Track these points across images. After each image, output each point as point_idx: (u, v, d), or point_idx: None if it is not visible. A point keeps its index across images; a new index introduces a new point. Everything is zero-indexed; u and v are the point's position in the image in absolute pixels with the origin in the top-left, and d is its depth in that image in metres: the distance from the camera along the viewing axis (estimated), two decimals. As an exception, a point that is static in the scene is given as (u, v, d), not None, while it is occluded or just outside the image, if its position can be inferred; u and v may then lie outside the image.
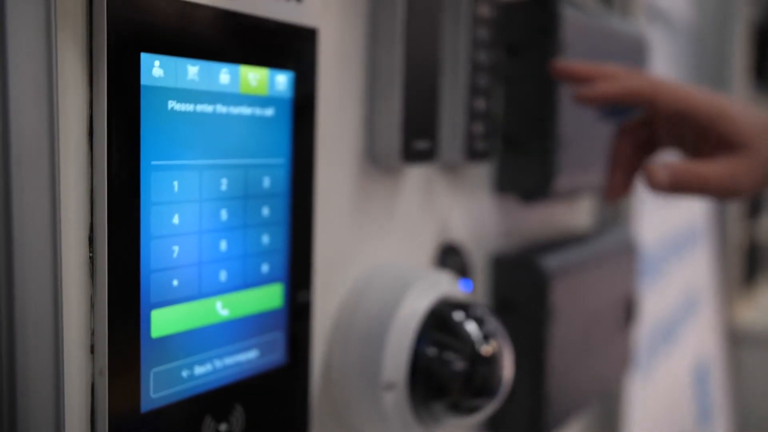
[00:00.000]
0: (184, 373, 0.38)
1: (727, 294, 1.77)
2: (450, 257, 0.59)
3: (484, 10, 0.56)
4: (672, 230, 1.34)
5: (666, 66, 1.35)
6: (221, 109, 0.39)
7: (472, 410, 0.48)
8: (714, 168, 0.53)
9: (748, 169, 0.53)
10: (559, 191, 0.65)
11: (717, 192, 0.54)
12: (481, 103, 0.57)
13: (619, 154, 0.59)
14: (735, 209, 1.81)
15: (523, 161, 0.64)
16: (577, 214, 0.82)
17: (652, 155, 0.60)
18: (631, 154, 0.59)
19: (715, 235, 1.69)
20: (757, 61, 1.91)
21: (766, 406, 1.80)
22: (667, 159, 0.57)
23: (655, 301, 1.19)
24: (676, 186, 0.53)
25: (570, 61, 0.60)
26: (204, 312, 0.39)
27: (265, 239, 0.42)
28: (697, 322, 1.49)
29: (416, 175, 0.55)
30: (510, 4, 0.63)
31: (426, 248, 0.57)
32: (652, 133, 0.59)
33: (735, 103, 0.56)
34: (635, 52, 0.77)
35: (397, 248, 0.54)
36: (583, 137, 0.67)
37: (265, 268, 0.42)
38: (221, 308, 0.40)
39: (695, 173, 0.53)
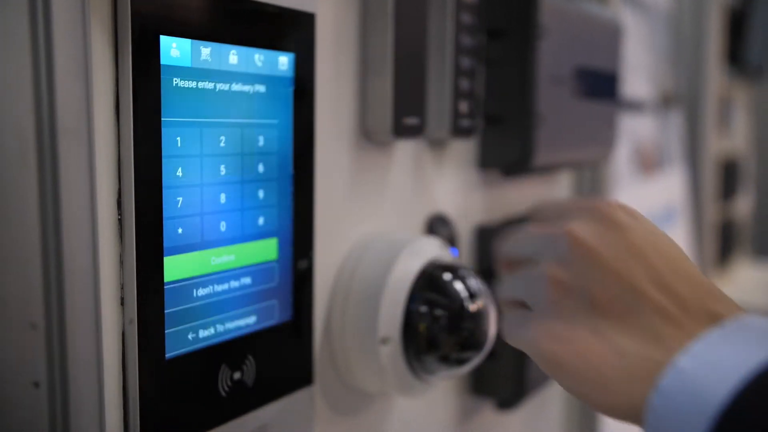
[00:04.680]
0: (190, 335, 0.42)
1: (703, 271, 1.83)
2: (439, 227, 0.64)
3: (467, -4, 0.61)
4: (651, 209, 1.39)
5: (642, 50, 1.40)
6: (233, 86, 0.43)
7: (460, 362, 0.52)
8: None
9: None
10: (538, 166, 0.69)
11: None
12: (465, 83, 0.61)
13: None
14: (710, 190, 1.87)
15: (504, 138, 0.68)
16: (555, 189, 0.86)
17: None
18: None
19: (691, 215, 1.75)
20: (731, 46, 1.96)
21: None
22: None
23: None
24: None
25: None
26: (204, 262, 0.42)
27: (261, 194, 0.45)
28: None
29: (405, 150, 0.60)
30: (491, -10, 0.67)
31: (416, 218, 0.62)
32: None
33: None
34: (610, 36, 0.82)
35: (390, 218, 0.58)
36: (560, 116, 0.72)
37: (261, 221, 0.46)
38: (222, 258, 0.43)
39: None
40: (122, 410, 0.38)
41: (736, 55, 1.97)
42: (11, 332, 0.31)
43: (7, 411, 0.31)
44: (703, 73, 1.82)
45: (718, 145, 1.93)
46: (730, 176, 2.04)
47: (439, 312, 0.52)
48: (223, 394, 0.44)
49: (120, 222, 0.38)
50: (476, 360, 0.53)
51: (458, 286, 0.53)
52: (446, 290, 0.52)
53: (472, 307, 0.52)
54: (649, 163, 1.45)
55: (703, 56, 1.82)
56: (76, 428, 0.32)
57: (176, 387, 0.41)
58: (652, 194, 1.40)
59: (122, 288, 0.38)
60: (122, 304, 0.38)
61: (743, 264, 2.24)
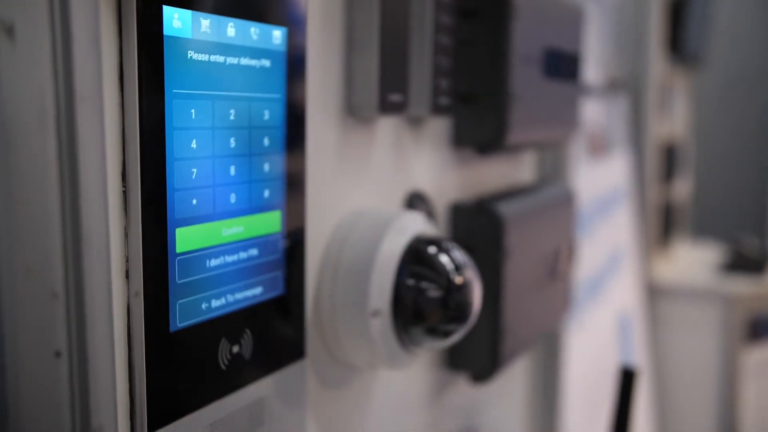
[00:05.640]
0: (203, 305, 0.42)
1: (645, 251, 1.90)
2: (417, 204, 0.65)
3: (446, -24, 0.61)
4: (600, 192, 1.44)
5: (594, 37, 1.43)
6: (230, 59, 0.43)
7: (446, 334, 0.54)
8: None
9: None
10: (510, 145, 0.71)
11: None
12: (443, 61, 0.62)
13: None
14: (652, 172, 1.93)
15: (477, 117, 0.69)
16: (522, 168, 0.88)
17: None
18: None
19: (635, 197, 1.80)
20: (671, 34, 2.02)
21: (678, 353, 1.94)
22: None
23: (586, 257, 1.28)
24: None
25: None
26: (216, 233, 0.42)
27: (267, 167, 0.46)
28: (620, 276, 1.60)
29: (386, 127, 0.60)
30: (465, -30, 0.68)
31: (396, 195, 0.62)
32: None
33: None
34: (575, 21, 0.84)
35: (372, 194, 0.59)
36: (531, 95, 0.73)
37: (266, 194, 0.46)
38: (232, 229, 0.43)
39: None
40: (128, 382, 0.38)
41: (676, 43, 2.03)
42: (34, 301, 0.30)
43: (29, 381, 0.31)
44: (646, 59, 1.87)
45: (659, 129, 1.99)
46: (670, 160, 2.11)
47: (426, 284, 0.53)
48: (223, 367, 0.44)
49: (125, 194, 0.38)
50: (462, 331, 0.54)
51: (444, 259, 0.54)
52: (433, 263, 0.53)
53: (458, 279, 0.53)
54: (597, 146, 1.49)
55: (646, 43, 1.88)
56: (94, 398, 0.32)
57: (180, 360, 0.41)
58: (601, 176, 1.44)
59: (127, 261, 0.38)
60: (127, 276, 0.38)
61: (682, 244, 2.32)
